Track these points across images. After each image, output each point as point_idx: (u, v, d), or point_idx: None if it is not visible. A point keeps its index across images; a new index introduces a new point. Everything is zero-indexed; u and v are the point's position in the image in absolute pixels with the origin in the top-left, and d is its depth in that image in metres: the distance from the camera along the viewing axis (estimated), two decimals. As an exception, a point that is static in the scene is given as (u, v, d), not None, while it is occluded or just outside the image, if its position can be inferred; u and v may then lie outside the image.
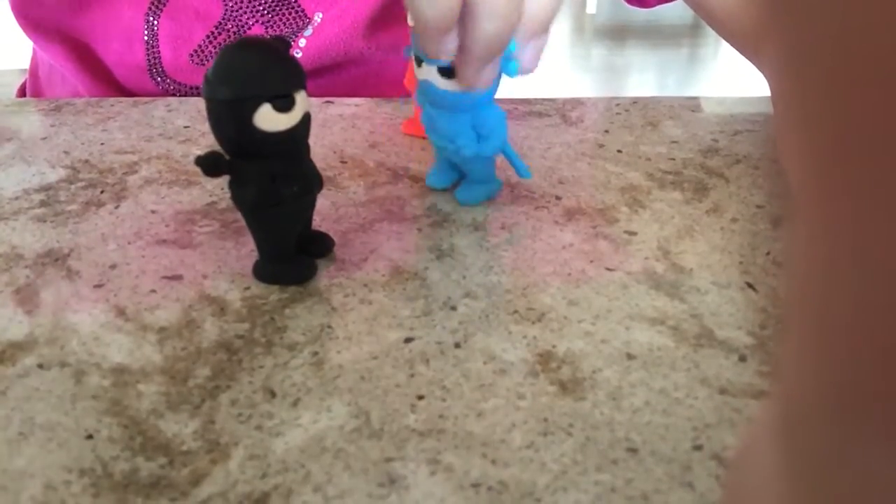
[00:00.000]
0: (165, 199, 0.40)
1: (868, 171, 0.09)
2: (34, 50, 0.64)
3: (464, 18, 0.31)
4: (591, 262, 0.34)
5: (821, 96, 0.09)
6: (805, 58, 0.09)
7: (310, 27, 0.56)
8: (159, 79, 0.57)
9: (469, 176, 0.39)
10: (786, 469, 0.13)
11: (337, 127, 0.48)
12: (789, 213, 0.11)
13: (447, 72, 0.34)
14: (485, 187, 0.39)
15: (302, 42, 0.56)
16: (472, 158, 0.37)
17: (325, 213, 0.38)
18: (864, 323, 0.10)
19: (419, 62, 0.35)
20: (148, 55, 0.56)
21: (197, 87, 0.57)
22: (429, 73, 0.35)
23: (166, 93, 0.57)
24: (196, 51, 0.56)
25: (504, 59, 0.34)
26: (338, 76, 0.59)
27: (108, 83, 0.58)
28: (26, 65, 0.68)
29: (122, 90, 0.58)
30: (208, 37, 0.56)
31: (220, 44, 0.56)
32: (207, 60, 0.56)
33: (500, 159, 0.38)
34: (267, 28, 0.56)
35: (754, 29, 0.46)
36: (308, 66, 0.56)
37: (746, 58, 0.49)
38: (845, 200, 0.09)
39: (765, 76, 0.42)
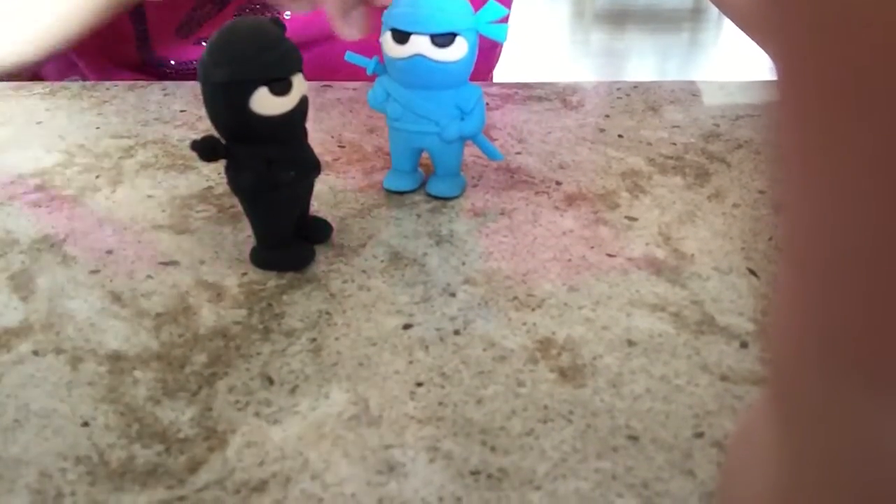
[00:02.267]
0: (162, 183, 0.39)
1: (841, 141, 0.09)
2: None
3: None
4: (592, 247, 0.34)
5: (804, 66, 0.10)
6: (797, 37, 0.10)
7: None
8: (148, 56, 0.56)
9: (439, 169, 0.38)
10: (778, 430, 0.13)
11: (335, 111, 0.48)
12: (776, 187, 0.11)
13: (443, 39, 0.33)
14: (455, 181, 0.38)
15: (287, 14, 0.55)
16: (449, 144, 0.36)
17: (323, 198, 0.38)
18: (841, 277, 0.10)
19: (404, 38, 0.34)
20: (136, 30, 0.56)
21: (184, 63, 0.57)
22: (419, 47, 0.34)
23: (160, 72, 0.57)
24: (183, 25, 0.55)
25: (491, 25, 0.34)
26: (327, 49, 0.58)
27: (105, 66, 0.58)
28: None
29: (123, 64, 0.58)
30: (194, 9, 0.55)
31: (204, 16, 0.55)
32: (192, 33, 0.56)
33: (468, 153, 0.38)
34: None
35: (761, 11, 0.45)
36: (294, 40, 0.56)
37: (754, 40, 0.49)
38: (824, 167, 0.10)
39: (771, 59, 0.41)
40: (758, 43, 0.48)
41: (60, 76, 0.62)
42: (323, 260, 0.33)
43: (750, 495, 0.14)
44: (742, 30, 0.50)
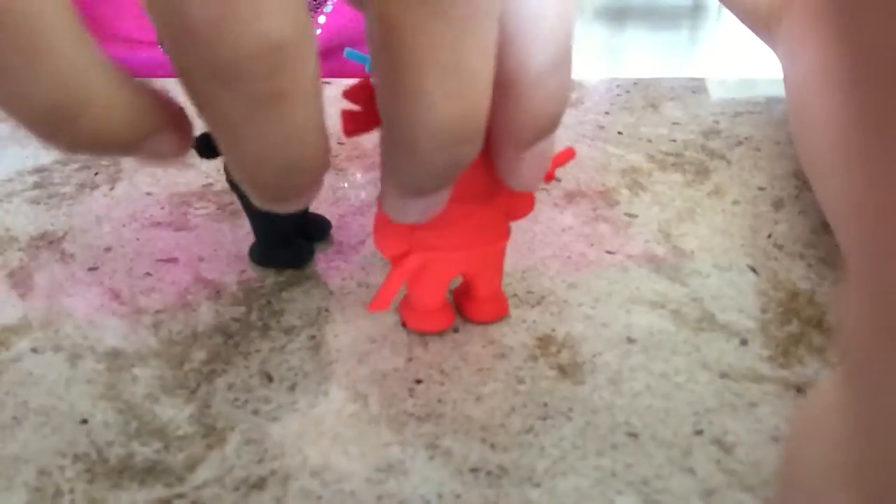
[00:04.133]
0: (161, 180, 0.39)
1: None
2: None
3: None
4: (592, 244, 0.34)
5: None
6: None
7: (329, 3, 0.55)
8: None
9: None
10: (849, 399, 0.12)
11: (334, 107, 0.48)
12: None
13: None
14: None
15: (321, 19, 0.55)
16: None
17: (322, 195, 0.38)
18: None
19: None
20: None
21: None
22: None
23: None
24: None
25: None
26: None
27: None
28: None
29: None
30: None
31: None
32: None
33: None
34: None
35: (769, 7, 0.45)
36: (326, 44, 0.56)
37: (759, 37, 0.48)
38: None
39: (778, 56, 0.41)
40: (763, 39, 0.48)
41: None
42: (322, 257, 0.33)
43: (820, 467, 0.14)
44: (747, 26, 0.50)
